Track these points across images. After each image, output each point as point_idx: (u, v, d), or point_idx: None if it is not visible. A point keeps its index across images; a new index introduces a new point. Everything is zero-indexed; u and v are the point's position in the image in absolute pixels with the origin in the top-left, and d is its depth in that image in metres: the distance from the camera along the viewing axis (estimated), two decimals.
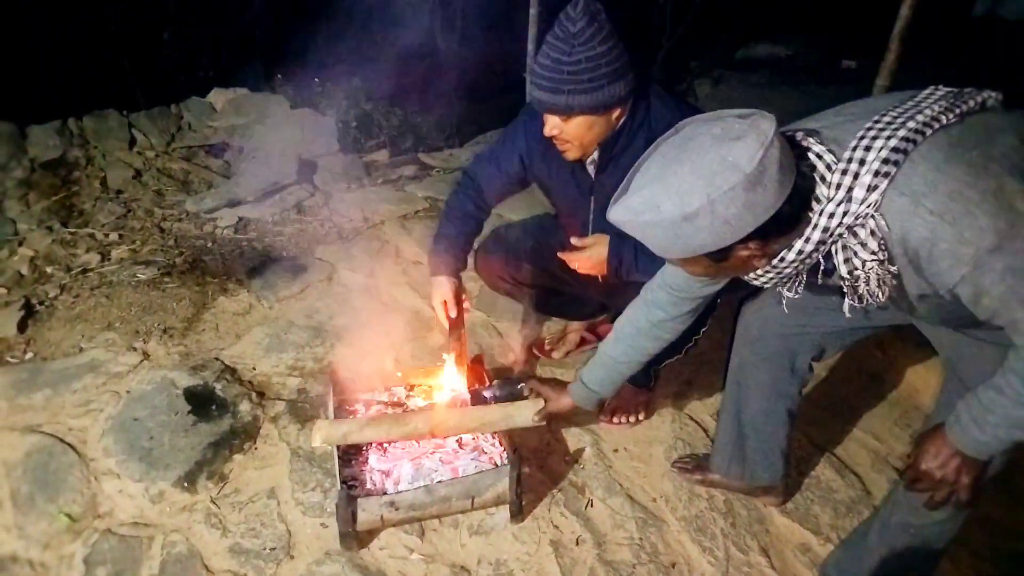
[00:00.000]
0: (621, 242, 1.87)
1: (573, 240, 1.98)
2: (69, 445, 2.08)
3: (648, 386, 2.27)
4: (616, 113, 1.74)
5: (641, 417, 2.31)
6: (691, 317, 1.66)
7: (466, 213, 2.12)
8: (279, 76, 5.36)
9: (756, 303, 1.76)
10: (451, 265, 2.08)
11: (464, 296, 2.11)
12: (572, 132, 1.73)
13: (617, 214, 1.20)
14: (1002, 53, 5.35)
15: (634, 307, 1.71)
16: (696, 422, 2.34)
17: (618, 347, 1.76)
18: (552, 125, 1.74)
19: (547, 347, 2.63)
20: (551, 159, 1.91)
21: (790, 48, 7.04)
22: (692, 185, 1.08)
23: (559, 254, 2.03)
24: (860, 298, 1.25)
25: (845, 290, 1.27)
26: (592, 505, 2.01)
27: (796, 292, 1.34)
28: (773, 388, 1.80)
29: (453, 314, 2.07)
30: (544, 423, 1.92)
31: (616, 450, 2.21)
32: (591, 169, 1.91)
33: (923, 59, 3.58)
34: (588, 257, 1.95)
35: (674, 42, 6.37)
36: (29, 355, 2.50)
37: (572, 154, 1.82)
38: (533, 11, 4.05)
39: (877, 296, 1.22)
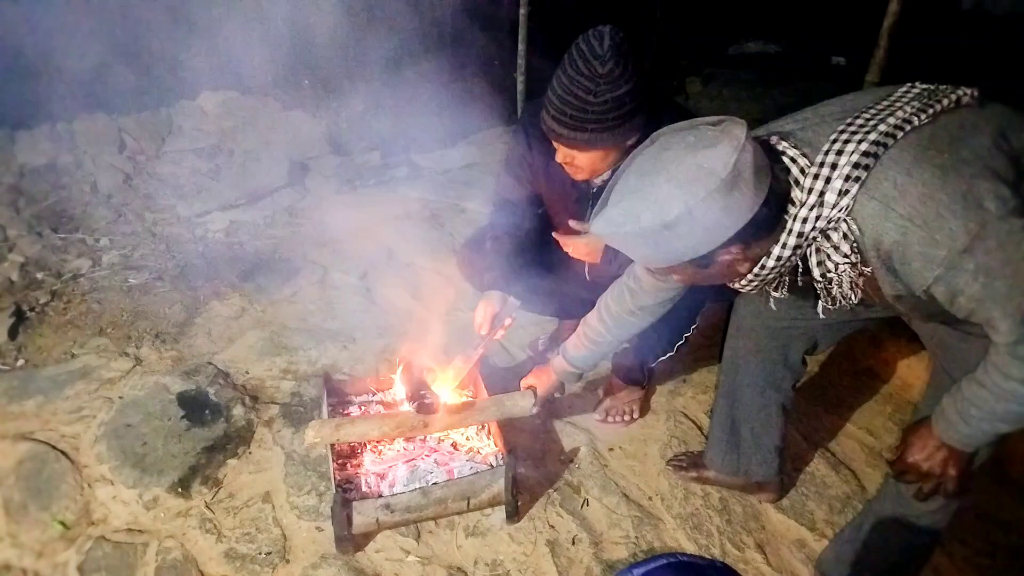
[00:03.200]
0: None
1: (572, 223, 1.97)
2: (62, 452, 2.07)
3: (642, 384, 2.27)
4: (632, 141, 1.71)
5: (635, 416, 2.31)
6: (672, 302, 1.66)
7: (508, 229, 2.13)
8: (269, 78, 5.34)
9: (748, 297, 1.77)
10: (501, 282, 2.13)
11: (505, 320, 2.13)
12: (585, 161, 1.72)
13: (599, 227, 1.22)
14: (989, 48, 5.38)
15: (617, 290, 1.72)
16: (691, 420, 2.35)
17: (601, 327, 1.78)
18: (565, 154, 1.73)
19: (540, 347, 2.63)
20: (551, 167, 1.89)
21: (780, 45, 7.06)
22: (669, 194, 1.10)
23: (554, 234, 2.02)
24: (833, 300, 1.27)
25: (819, 291, 1.28)
26: (588, 504, 2.01)
27: (783, 293, 1.35)
28: (766, 381, 1.81)
29: (484, 331, 2.10)
30: (537, 411, 1.94)
31: (611, 449, 2.22)
32: (598, 181, 1.89)
33: (912, 54, 3.60)
34: (586, 243, 1.95)
35: (664, 39, 6.38)
36: (20, 362, 2.49)
37: (581, 177, 1.80)
38: (523, 11, 4.04)
39: (850, 298, 1.24)
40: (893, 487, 1.56)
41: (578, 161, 1.73)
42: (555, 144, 1.73)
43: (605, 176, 1.85)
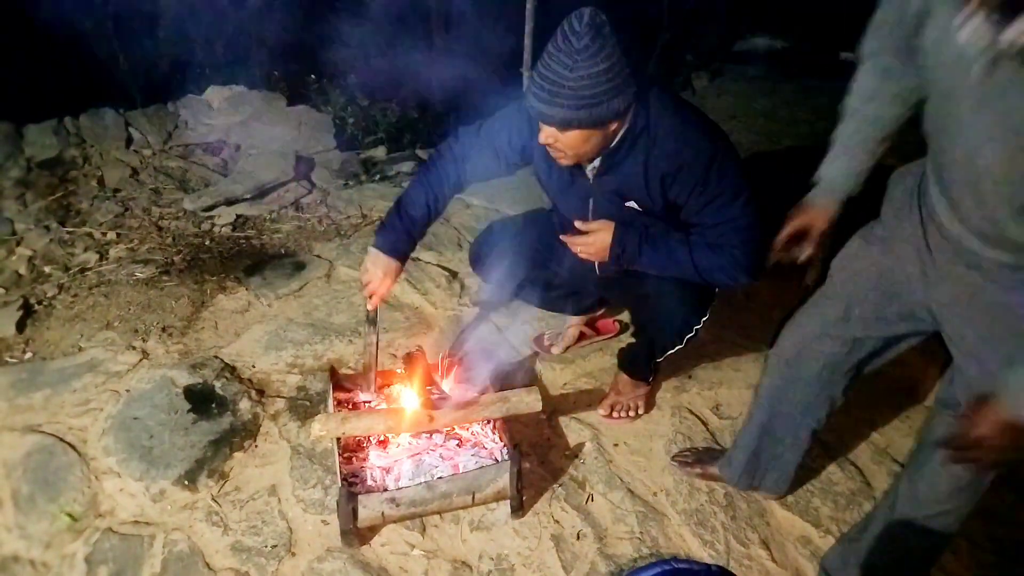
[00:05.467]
0: (625, 231, 1.87)
1: (577, 224, 1.97)
2: (69, 444, 2.08)
3: (647, 380, 2.27)
4: (614, 126, 1.71)
5: (640, 411, 2.31)
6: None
7: (440, 190, 2.00)
8: (276, 73, 5.35)
9: (795, 323, 1.73)
10: (402, 247, 1.98)
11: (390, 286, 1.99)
12: (567, 143, 1.71)
13: None
14: None
15: (864, 74, 1.51)
16: (696, 415, 2.35)
17: (852, 124, 1.55)
18: (547, 134, 1.72)
19: (546, 342, 2.63)
20: (552, 159, 1.89)
21: (788, 41, 7.03)
22: None
23: (561, 236, 2.02)
24: None
25: None
26: (592, 499, 2.01)
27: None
28: (804, 410, 1.77)
29: (375, 302, 1.98)
30: (542, 408, 1.94)
31: (616, 444, 2.22)
32: (591, 173, 1.90)
33: None
34: (592, 242, 1.94)
35: (671, 35, 6.36)
36: (28, 355, 2.50)
37: (566, 162, 1.80)
38: (530, 6, 4.03)
39: None
40: (904, 488, 1.56)
41: (559, 143, 1.72)
42: (539, 125, 1.73)
43: (596, 164, 1.85)
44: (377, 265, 1.96)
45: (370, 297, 1.97)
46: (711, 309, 2.03)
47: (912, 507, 1.54)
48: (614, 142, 1.77)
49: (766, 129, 4.83)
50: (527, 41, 4.15)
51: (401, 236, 1.97)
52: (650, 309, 2.02)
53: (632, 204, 1.87)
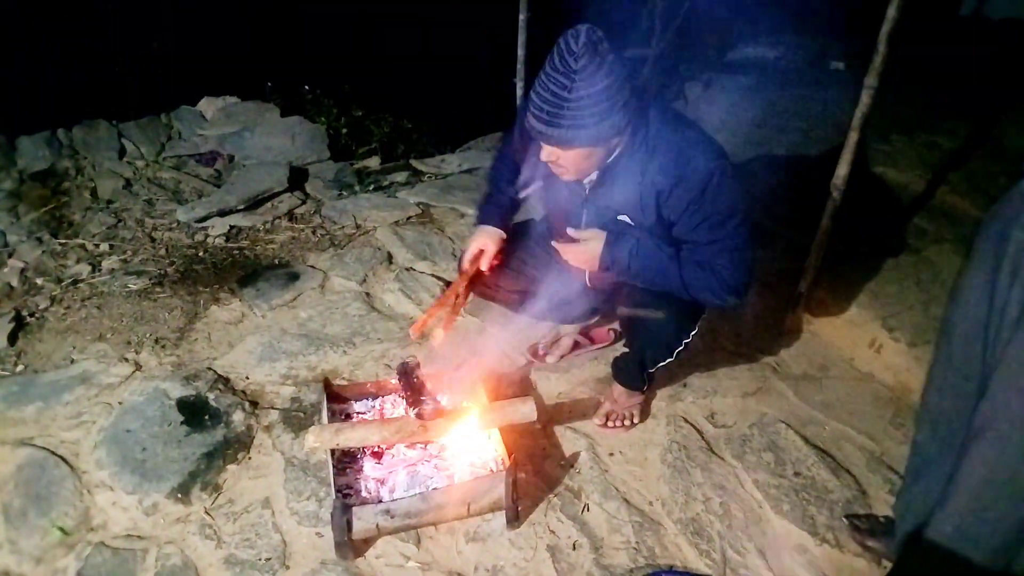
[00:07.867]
0: (616, 241, 1.87)
1: (569, 231, 1.97)
2: (61, 458, 2.07)
3: (641, 389, 2.27)
4: (615, 141, 1.72)
5: (636, 420, 2.31)
6: None
7: (510, 179, 2.13)
8: (269, 84, 5.36)
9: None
10: (501, 219, 2.13)
11: (495, 257, 2.11)
12: (569, 160, 1.72)
13: None
14: (989, 52, 5.40)
15: None
16: (691, 424, 2.34)
17: None
18: (549, 153, 1.73)
19: (541, 352, 2.63)
20: (547, 169, 1.89)
21: (779, 50, 7.07)
22: None
23: (553, 242, 2.02)
24: None
25: None
26: (588, 509, 2.00)
27: None
28: None
29: (484, 266, 2.10)
30: (537, 418, 1.93)
31: (611, 454, 2.21)
32: (587, 184, 1.90)
33: (911, 60, 3.60)
34: (584, 251, 1.95)
35: (664, 45, 6.39)
36: (20, 367, 2.49)
37: (568, 177, 1.81)
38: (522, 17, 4.05)
39: None
40: (966, 500, 1.45)
41: (562, 160, 1.73)
42: (540, 142, 1.74)
43: (593, 177, 1.85)
44: (480, 234, 2.10)
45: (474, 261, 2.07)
46: (699, 324, 2.03)
47: (937, 526, 1.48)
48: (612, 155, 1.77)
49: (758, 138, 4.84)
50: (520, 52, 4.16)
51: (497, 213, 2.14)
52: (639, 322, 2.02)
53: (625, 217, 1.87)
